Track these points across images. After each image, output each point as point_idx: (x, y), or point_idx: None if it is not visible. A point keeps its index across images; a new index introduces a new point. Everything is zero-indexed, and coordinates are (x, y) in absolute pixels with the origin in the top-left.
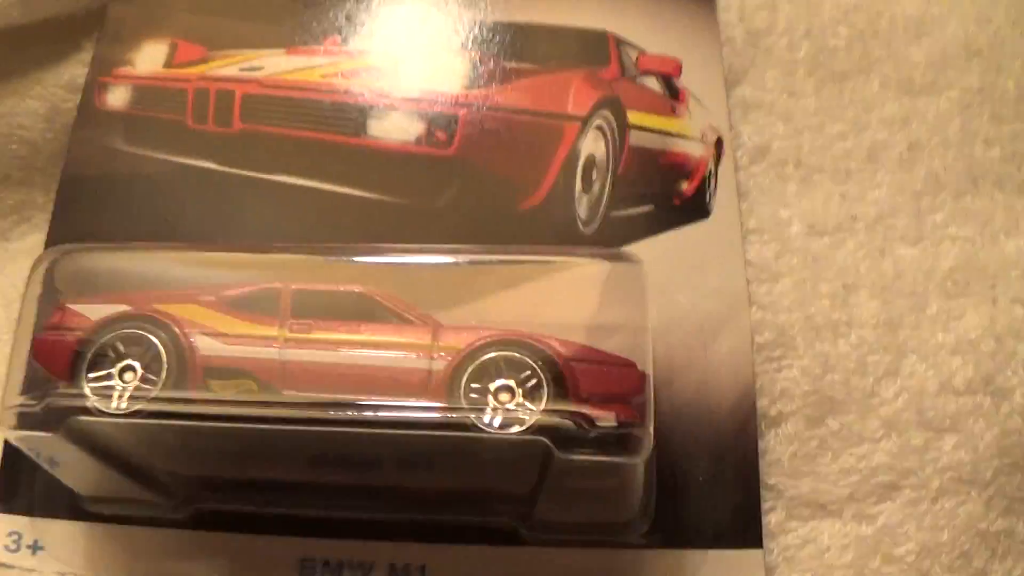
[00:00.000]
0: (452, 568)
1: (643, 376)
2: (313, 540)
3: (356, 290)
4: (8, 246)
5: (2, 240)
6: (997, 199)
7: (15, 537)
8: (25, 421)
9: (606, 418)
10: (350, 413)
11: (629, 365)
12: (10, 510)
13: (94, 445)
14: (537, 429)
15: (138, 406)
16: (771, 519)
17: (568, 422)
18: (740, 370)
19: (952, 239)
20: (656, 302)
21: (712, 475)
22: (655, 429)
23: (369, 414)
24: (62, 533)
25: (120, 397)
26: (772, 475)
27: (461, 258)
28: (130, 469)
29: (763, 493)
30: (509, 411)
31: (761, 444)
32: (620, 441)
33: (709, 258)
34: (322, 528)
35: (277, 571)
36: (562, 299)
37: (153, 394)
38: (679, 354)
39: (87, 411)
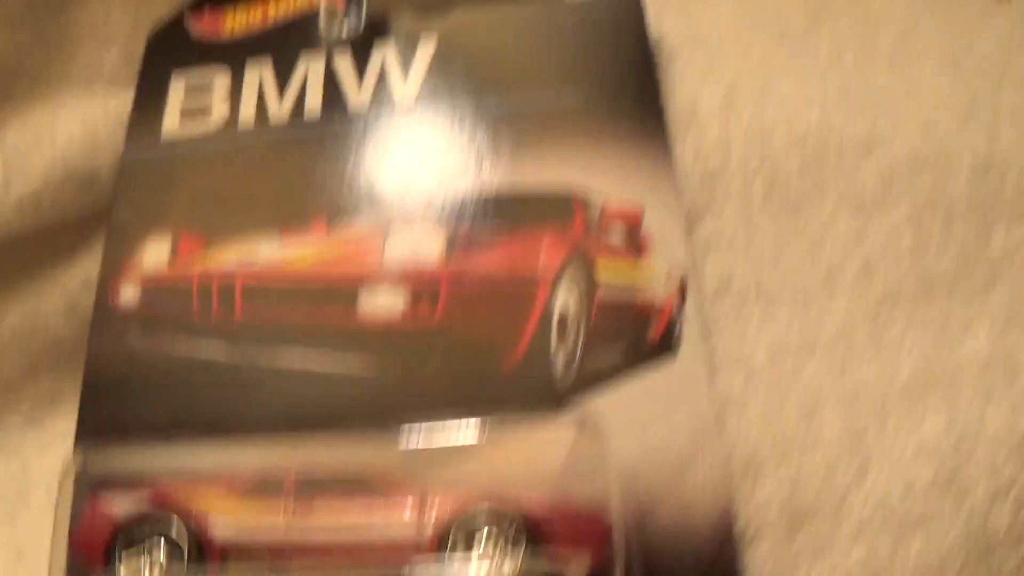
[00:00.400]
0: None
1: (608, 527)
2: None
3: (351, 470)
4: (43, 433)
5: (38, 427)
6: (952, 305)
7: None
8: None
9: (579, 566)
10: None
11: (597, 518)
12: None
13: None
14: None
15: None
16: None
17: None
18: (716, 496)
19: (909, 349)
20: (632, 440)
21: None
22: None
23: None
24: None
25: None
26: None
27: (442, 434)
28: None
29: None
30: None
31: (741, 563)
32: None
33: (678, 393)
34: None
35: None
36: (536, 462)
37: None
38: (657, 487)
39: None
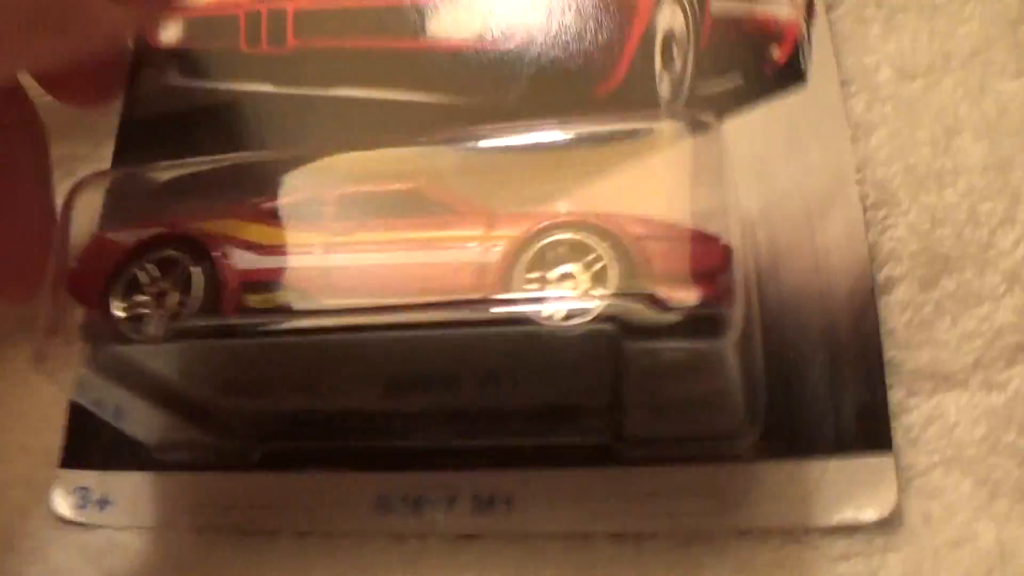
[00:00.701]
0: (542, 495)
1: (726, 249)
2: (390, 474)
3: (405, 187)
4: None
5: None
6: None
7: (83, 493)
8: (66, 361)
9: (684, 299)
10: (389, 317)
11: (709, 239)
12: (78, 465)
13: (142, 384)
14: (604, 317)
15: (175, 328)
16: (889, 397)
17: (638, 306)
18: (854, 249)
19: None
20: (754, 183)
21: (830, 371)
22: (761, 324)
23: (414, 316)
24: (131, 485)
25: (155, 322)
26: (887, 348)
27: (519, 141)
28: (192, 412)
29: (883, 348)
30: (571, 299)
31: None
32: (698, 324)
33: (810, 128)
34: (399, 461)
35: (353, 511)
36: (629, 174)
37: (188, 314)
38: (784, 238)
39: (121, 339)
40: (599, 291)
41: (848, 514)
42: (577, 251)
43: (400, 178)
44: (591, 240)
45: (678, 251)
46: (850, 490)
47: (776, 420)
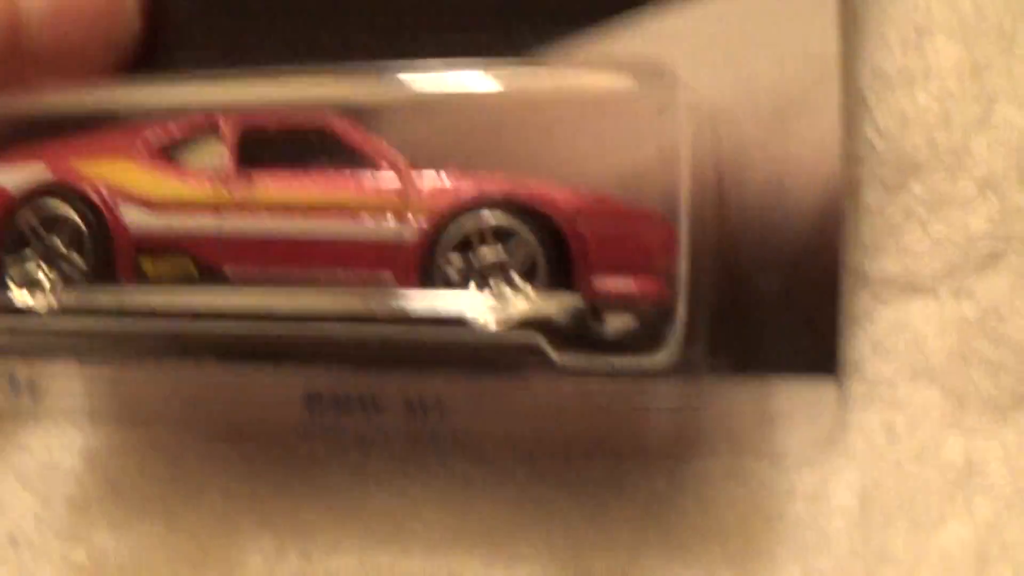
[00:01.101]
0: (475, 402)
1: (672, 233)
2: (320, 371)
3: (316, 123)
4: None
5: None
6: None
7: (10, 380)
8: None
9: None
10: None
11: (654, 217)
12: (4, 353)
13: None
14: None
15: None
16: (855, 304)
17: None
18: (827, 155)
19: None
20: (721, 72)
21: (784, 288)
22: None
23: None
24: (59, 374)
25: (48, 293)
26: (852, 253)
27: (448, 83)
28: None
29: (842, 275)
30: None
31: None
32: (641, 335)
33: (793, 12)
34: (329, 357)
35: (279, 408)
36: (573, 130)
37: (79, 276)
38: (751, 138)
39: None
40: (525, 292)
41: (779, 440)
42: (504, 234)
43: (309, 110)
44: (518, 224)
45: (617, 234)
46: (790, 414)
47: (722, 337)
